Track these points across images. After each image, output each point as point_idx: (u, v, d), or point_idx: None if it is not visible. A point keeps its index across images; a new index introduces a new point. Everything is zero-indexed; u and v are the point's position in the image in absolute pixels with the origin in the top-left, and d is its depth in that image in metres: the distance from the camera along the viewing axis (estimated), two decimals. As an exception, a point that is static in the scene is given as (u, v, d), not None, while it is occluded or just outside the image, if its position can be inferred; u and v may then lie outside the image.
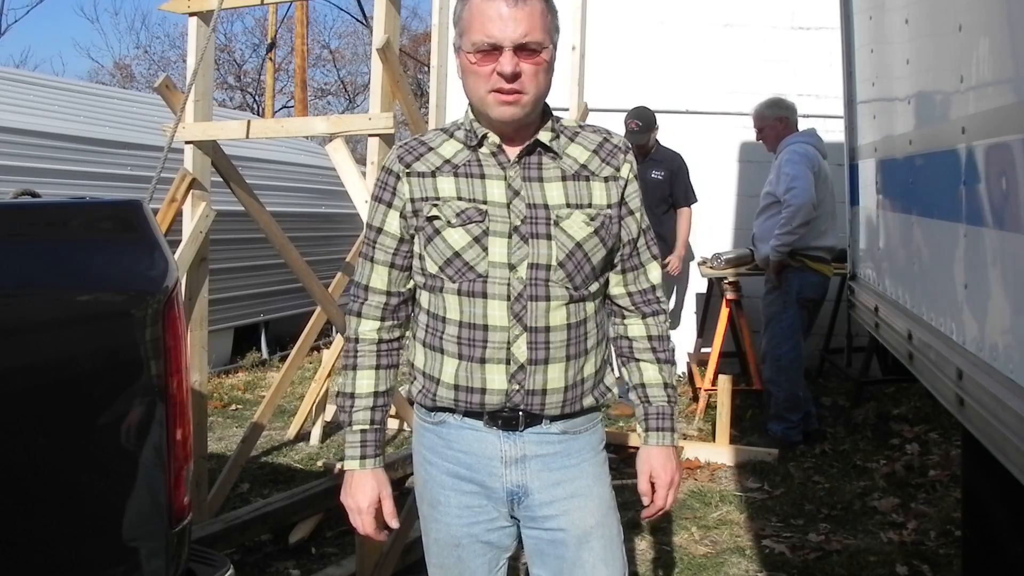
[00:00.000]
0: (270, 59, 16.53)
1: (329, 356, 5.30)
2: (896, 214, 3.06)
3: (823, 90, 6.08)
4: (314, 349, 6.62)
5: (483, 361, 1.67)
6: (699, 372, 5.91)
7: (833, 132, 5.04)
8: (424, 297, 1.76)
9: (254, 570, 3.51)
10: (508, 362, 1.67)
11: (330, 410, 5.67)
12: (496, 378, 1.67)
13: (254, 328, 8.22)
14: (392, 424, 5.25)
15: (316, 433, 5.32)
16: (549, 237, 1.67)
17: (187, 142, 3.41)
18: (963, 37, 2.05)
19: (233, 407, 6.30)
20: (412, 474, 2.13)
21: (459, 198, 1.68)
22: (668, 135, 6.65)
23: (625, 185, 1.76)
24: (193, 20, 3.40)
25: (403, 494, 3.45)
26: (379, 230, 1.76)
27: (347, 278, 4.80)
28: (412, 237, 1.74)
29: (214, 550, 2.13)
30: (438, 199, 1.69)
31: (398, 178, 1.73)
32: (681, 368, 6.82)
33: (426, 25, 22.54)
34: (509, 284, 1.66)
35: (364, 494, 1.75)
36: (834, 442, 4.99)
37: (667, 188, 5.72)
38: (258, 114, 20.32)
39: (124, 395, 1.71)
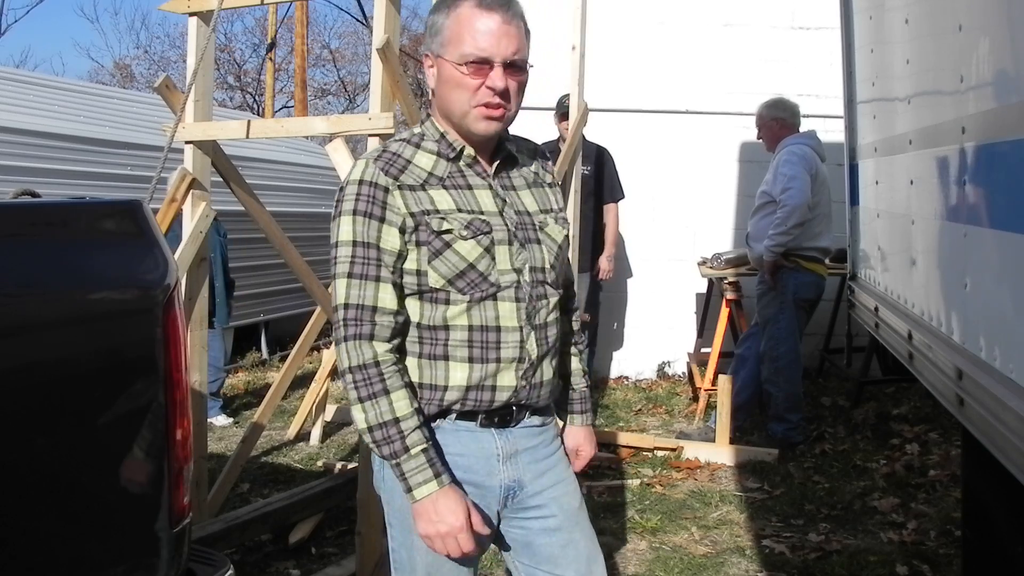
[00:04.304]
0: (270, 59, 16.52)
1: (329, 356, 5.29)
2: (896, 214, 3.07)
3: (823, 90, 6.08)
4: (314, 349, 6.62)
5: (498, 360, 1.71)
6: (699, 372, 5.91)
7: (833, 132, 5.04)
8: (415, 310, 1.70)
9: (254, 570, 3.51)
10: (521, 360, 1.73)
11: (330, 410, 5.68)
12: (508, 375, 1.72)
13: (254, 328, 8.22)
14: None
15: (316, 433, 5.33)
16: (539, 242, 1.78)
17: (187, 142, 3.41)
18: (963, 37, 2.06)
19: (233, 407, 6.30)
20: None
21: (459, 210, 1.69)
22: (668, 135, 6.68)
23: (556, 189, 1.90)
24: (193, 20, 3.40)
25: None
26: (375, 247, 1.65)
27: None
28: (406, 254, 1.67)
29: (214, 550, 2.13)
30: (439, 212, 1.67)
31: (387, 191, 1.65)
32: (681, 368, 6.82)
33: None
34: (519, 287, 1.72)
35: (455, 512, 1.62)
36: (834, 442, 4.99)
37: (592, 183, 5.47)
38: (258, 114, 20.31)
39: (124, 395, 1.71)
